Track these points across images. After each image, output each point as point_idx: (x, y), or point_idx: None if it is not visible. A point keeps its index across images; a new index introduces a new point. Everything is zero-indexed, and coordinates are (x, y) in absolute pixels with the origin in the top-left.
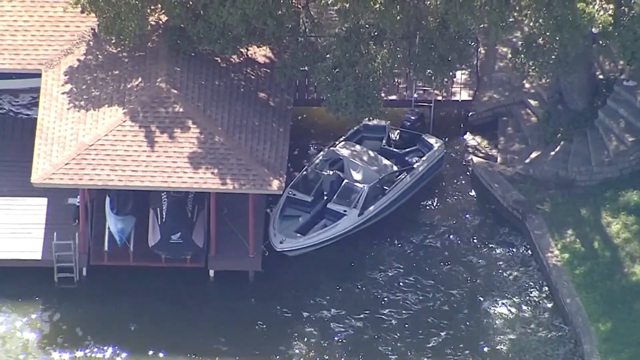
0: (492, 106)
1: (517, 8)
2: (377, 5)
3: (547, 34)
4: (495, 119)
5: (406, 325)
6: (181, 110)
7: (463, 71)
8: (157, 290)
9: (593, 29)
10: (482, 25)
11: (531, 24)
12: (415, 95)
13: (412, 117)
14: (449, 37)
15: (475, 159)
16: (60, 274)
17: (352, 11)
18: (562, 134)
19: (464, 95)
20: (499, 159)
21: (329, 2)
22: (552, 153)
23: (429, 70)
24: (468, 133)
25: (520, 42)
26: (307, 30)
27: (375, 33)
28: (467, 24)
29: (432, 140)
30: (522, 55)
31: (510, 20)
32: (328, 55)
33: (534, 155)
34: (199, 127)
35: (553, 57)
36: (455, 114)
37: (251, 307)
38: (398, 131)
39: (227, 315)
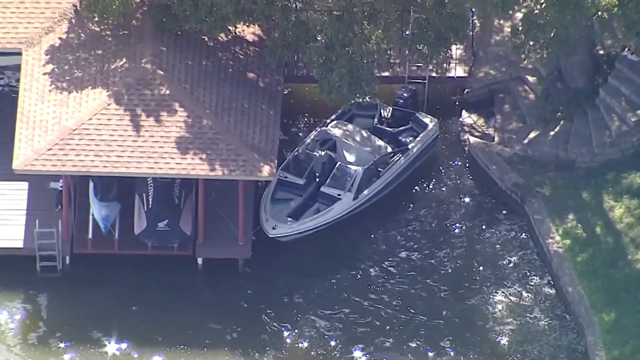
0: (488, 82)
1: None
2: None
3: (548, 15)
4: (492, 96)
5: (402, 315)
6: (167, 92)
7: (458, 46)
8: (143, 279)
9: (596, 11)
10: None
11: (532, 4)
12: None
13: (405, 95)
14: (445, 15)
15: (472, 139)
16: (43, 263)
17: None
18: (561, 113)
19: (459, 71)
20: (496, 139)
21: None
22: (552, 133)
23: (424, 49)
24: (463, 111)
25: (519, 21)
26: (297, 7)
27: (370, 11)
28: (465, 4)
29: (426, 119)
30: (522, 36)
31: (511, 1)
32: (319, 37)
33: (532, 135)
34: (186, 110)
35: (554, 37)
36: (450, 90)
37: (241, 296)
38: (390, 109)
39: (216, 304)
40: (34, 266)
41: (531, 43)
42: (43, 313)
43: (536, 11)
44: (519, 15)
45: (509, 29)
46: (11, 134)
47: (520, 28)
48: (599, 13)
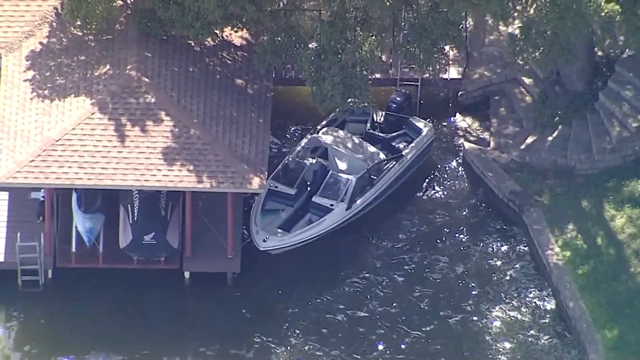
0: (483, 84)
1: None
2: None
3: (548, 22)
4: (487, 98)
5: (395, 330)
6: (153, 100)
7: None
8: (128, 293)
9: (598, 19)
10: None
11: (532, 11)
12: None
13: (398, 99)
14: (441, 22)
15: (467, 144)
16: (25, 277)
17: (340, 1)
18: (560, 118)
19: (452, 72)
20: (491, 144)
21: None
22: (550, 139)
23: (418, 55)
24: (458, 114)
25: (517, 27)
26: (287, 12)
27: (363, 17)
28: (462, 12)
29: (420, 123)
30: (521, 42)
31: (510, 9)
32: (311, 44)
33: (529, 140)
34: (173, 119)
35: (554, 44)
36: (444, 93)
37: (230, 311)
38: (383, 113)
39: (204, 320)
40: (15, 280)
41: (530, 50)
42: (25, 329)
43: (535, 18)
44: (516, 20)
45: (506, 33)
46: None
47: (518, 34)
48: (601, 20)
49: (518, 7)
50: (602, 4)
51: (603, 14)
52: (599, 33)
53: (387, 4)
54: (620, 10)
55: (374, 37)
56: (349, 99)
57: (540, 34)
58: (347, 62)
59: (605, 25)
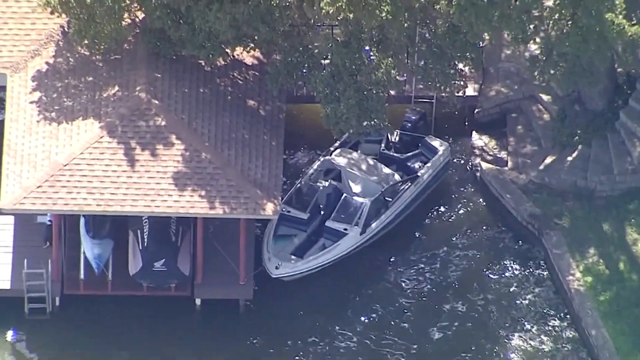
0: (500, 101)
1: (539, 17)
2: (384, 14)
3: (570, 45)
4: (504, 116)
5: (409, 357)
6: (164, 123)
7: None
8: (137, 321)
9: (621, 42)
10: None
11: (553, 33)
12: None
13: (413, 117)
14: (459, 43)
15: (484, 165)
16: (32, 305)
17: (355, 22)
18: (579, 137)
19: (468, 89)
20: (509, 163)
21: (330, 12)
22: (569, 159)
23: (436, 78)
24: (474, 132)
25: (538, 48)
26: (301, 32)
27: (379, 37)
28: (482, 34)
29: (436, 142)
30: (542, 63)
31: (532, 32)
32: (325, 61)
33: (548, 160)
34: (184, 142)
35: (576, 66)
36: (459, 110)
37: (241, 340)
38: (398, 132)
39: (215, 349)
40: (22, 308)
41: (552, 71)
42: (32, 357)
43: (557, 40)
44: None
45: (523, 48)
46: None
47: (539, 56)
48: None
49: (541, 27)
50: (626, 27)
51: (627, 37)
52: (622, 54)
53: (405, 25)
54: None
55: (390, 59)
56: (365, 122)
57: (562, 56)
58: (363, 83)
59: (628, 47)
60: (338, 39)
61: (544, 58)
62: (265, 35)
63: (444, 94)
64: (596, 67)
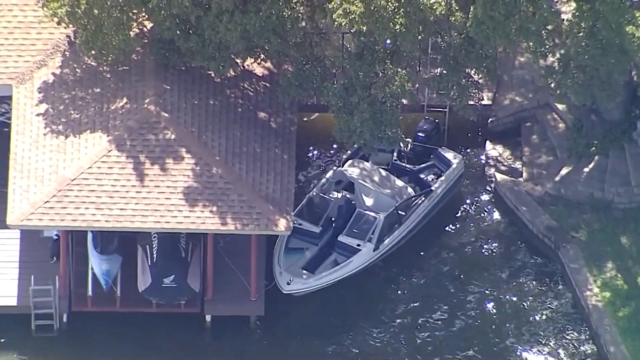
0: (514, 110)
1: (557, 31)
2: (398, 27)
3: (589, 58)
4: (518, 125)
5: None
6: (173, 137)
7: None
8: (146, 338)
9: None
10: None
11: (572, 48)
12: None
13: (426, 127)
14: (475, 55)
15: (499, 176)
16: (39, 322)
17: (369, 34)
18: (596, 148)
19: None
20: (524, 174)
21: (343, 24)
22: (586, 170)
23: (451, 91)
24: (488, 142)
25: (556, 60)
26: (312, 43)
27: (392, 49)
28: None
29: (449, 155)
30: (559, 75)
31: (551, 45)
32: (338, 72)
33: (564, 171)
34: (194, 156)
35: (594, 79)
36: (473, 120)
37: (253, 357)
38: (410, 142)
39: None
40: (29, 325)
41: (569, 83)
42: None
43: (574, 52)
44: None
45: (542, 62)
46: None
47: (556, 67)
48: None
49: (557, 41)
50: None
51: None
52: None
53: (419, 37)
54: None
55: (404, 71)
56: (379, 135)
57: (581, 68)
58: (377, 96)
59: None
60: (350, 49)
61: (561, 70)
62: (277, 47)
63: (458, 107)
64: (614, 80)
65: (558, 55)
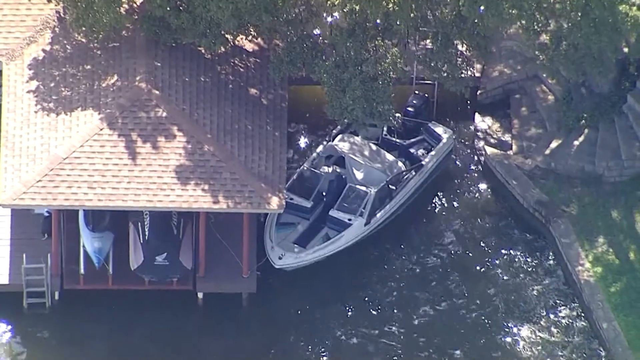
0: (503, 82)
1: (550, 9)
2: (391, 5)
3: (582, 36)
4: (507, 97)
5: (417, 352)
6: (165, 114)
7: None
8: (138, 315)
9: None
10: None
11: (565, 24)
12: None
13: (416, 102)
14: (467, 32)
15: (489, 149)
16: (31, 299)
17: (361, 12)
18: (585, 121)
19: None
20: (514, 147)
21: (336, 3)
22: (576, 143)
23: (443, 68)
24: (477, 114)
25: (548, 37)
26: (303, 20)
27: (384, 25)
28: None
29: (439, 129)
30: (551, 52)
31: (544, 23)
32: (328, 48)
33: (554, 144)
34: (186, 134)
35: (587, 56)
36: (461, 92)
37: (245, 334)
38: (400, 116)
39: (218, 343)
40: (20, 303)
41: (562, 60)
42: (31, 353)
43: (567, 30)
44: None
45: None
46: None
47: (548, 44)
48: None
49: (550, 19)
50: None
51: None
52: (634, 44)
53: (411, 15)
54: None
55: (396, 48)
56: (371, 112)
57: (573, 45)
58: (368, 73)
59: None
60: (342, 27)
61: (553, 47)
62: (268, 24)
63: (450, 83)
64: (607, 57)
65: (550, 33)
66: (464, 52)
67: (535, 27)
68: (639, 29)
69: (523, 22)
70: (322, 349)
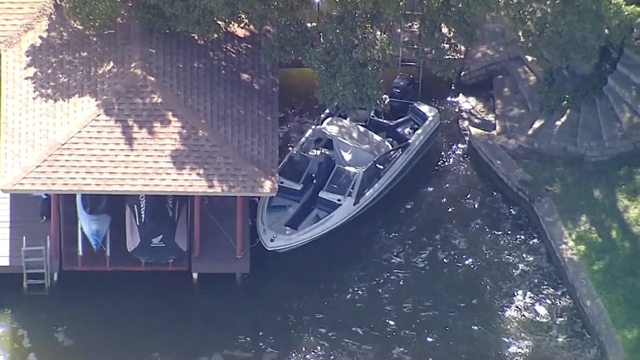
0: (486, 63)
1: None
2: None
3: (566, 24)
4: (490, 78)
5: (407, 332)
6: (160, 100)
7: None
8: (135, 295)
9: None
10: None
11: (550, 14)
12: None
13: (402, 83)
14: (453, 19)
15: (473, 130)
16: (30, 281)
17: (352, 1)
18: (567, 102)
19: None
20: (497, 127)
21: None
22: (558, 124)
23: (431, 52)
24: (461, 94)
25: (532, 23)
26: (294, 7)
27: (372, 12)
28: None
29: (424, 108)
30: (535, 37)
31: (529, 12)
32: (318, 35)
33: (537, 125)
34: (181, 120)
35: (570, 42)
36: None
37: (239, 312)
38: (386, 97)
39: (212, 322)
40: (20, 283)
41: (546, 45)
42: (31, 332)
43: (551, 16)
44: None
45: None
46: None
47: (532, 30)
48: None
49: (534, 7)
50: (623, 6)
51: (623, 17)
52: (616, 30)
53: (400, 3)
54: None
55: (384, 36)
56: (361, 97)
57: (557, 32)
58: (358, 60)
59: (624, 25)
60: (331, 15)
61: (537, 33)
62: (261, 12)
63: (437, 69)
64: (590, 43)
65: (535, 20)
66: (450, 38)
67: (521, 15)
68: (621, 16)
69: (509, 10)
70: (313, 327)
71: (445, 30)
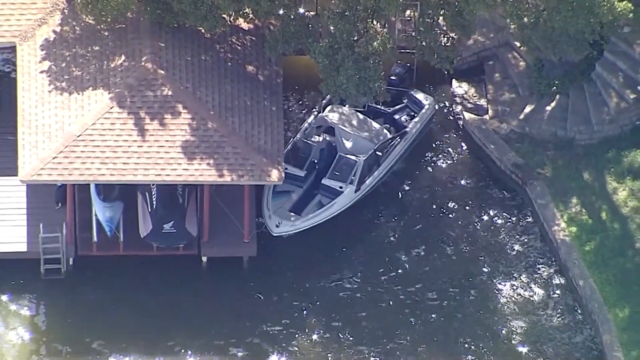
0: (477, 50)
1: None
2: None
3: (561, 20)
4: (481, 64)
5: (408, 314)
6: (170, 93)
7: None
8: (147, 279)
9: (611, 17)
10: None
11: (545, 10)
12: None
13: (399, 71)
14: (451, 13)
15: (467, 115)
16: (47, 266)
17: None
18: (557, 87)
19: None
20: (489, 112)
21: None
22: (548, 109)
23: (430, 44)
24: (454, 80)
25: (526, 17)
26: (298, 2)
27: (373, 7)
28: (478, 12)
29: (420, 96)
30: (529, 30)
31: (525, 8)
32: (323, 36)
33: (528, 109)
34: (190, 112)
35: (563, 36)
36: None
37: (246, 295)
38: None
39: (221, 303)
40: (38, 268)
41: (540, 39)
42: (48, 315)
43: (546, 14)
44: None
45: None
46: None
47: (527, 23)
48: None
49: (530, 3)
50: (615, 2)
51: (616, 13)
52: (608, 25)
53: (401, 0)
54: (632, 8)
55: (385, 30)
56: (363, 89)
57: (550, 27)
58: (361, 54)
59: (617, 20)
60: (333, 10)
61: (532, 26)
62: (266, 8)
63: (435, 61)
64: (582, 37)
65: (529, 15)
66: (447, 31)
67: (519, 12)
68: (615, 12)
69: (507, 7)
70: (317, 308)
71: (441, 22)
